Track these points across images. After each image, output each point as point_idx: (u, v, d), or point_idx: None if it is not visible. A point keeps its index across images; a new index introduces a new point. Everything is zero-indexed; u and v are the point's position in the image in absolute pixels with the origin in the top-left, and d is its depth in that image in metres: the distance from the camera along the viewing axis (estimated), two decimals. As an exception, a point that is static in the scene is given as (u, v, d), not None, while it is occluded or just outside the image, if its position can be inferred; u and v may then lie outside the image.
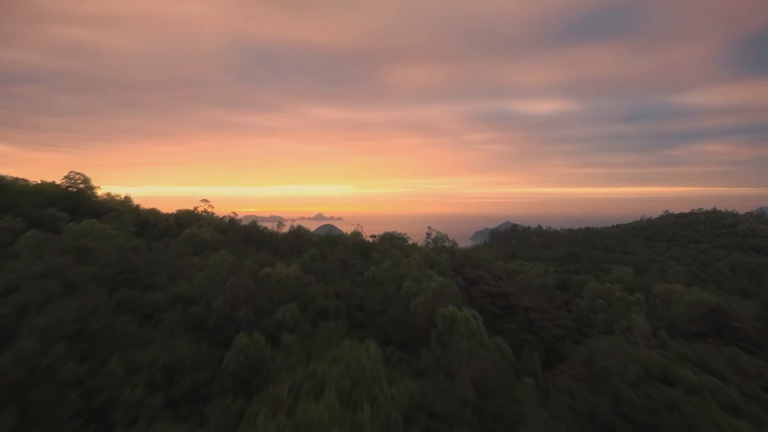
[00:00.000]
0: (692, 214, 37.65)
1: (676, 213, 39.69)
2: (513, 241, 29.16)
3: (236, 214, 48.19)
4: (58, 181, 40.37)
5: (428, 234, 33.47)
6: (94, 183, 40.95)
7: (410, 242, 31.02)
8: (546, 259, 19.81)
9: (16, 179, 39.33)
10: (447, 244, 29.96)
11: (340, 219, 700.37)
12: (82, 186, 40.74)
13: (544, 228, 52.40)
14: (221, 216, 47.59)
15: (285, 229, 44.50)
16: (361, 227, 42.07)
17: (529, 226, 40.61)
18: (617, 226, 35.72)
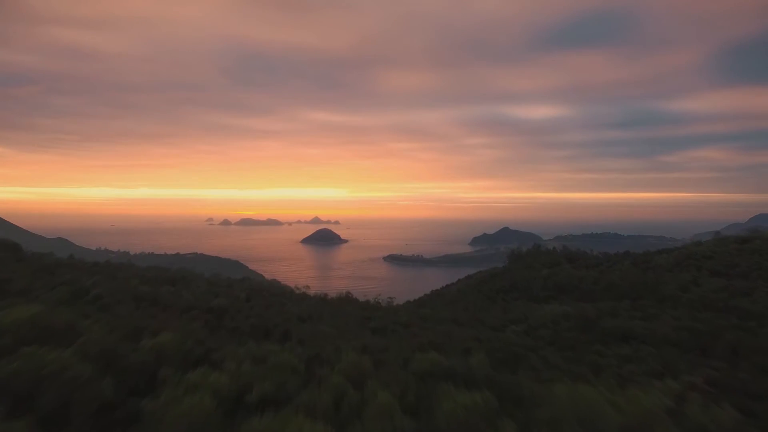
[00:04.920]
0: (754, 237, 30.77)
1: (733, 236, 33.11)
2: (544, 270, 23.38)
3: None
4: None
5: None
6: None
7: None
8: (658, 339, 12.66)
9: None
10: None
11: (336, 222, 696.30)
12: None
13: (569, 244, 45.75)
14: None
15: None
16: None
17: (554, 247, 34.84)
18: (665, 252, 28.95)
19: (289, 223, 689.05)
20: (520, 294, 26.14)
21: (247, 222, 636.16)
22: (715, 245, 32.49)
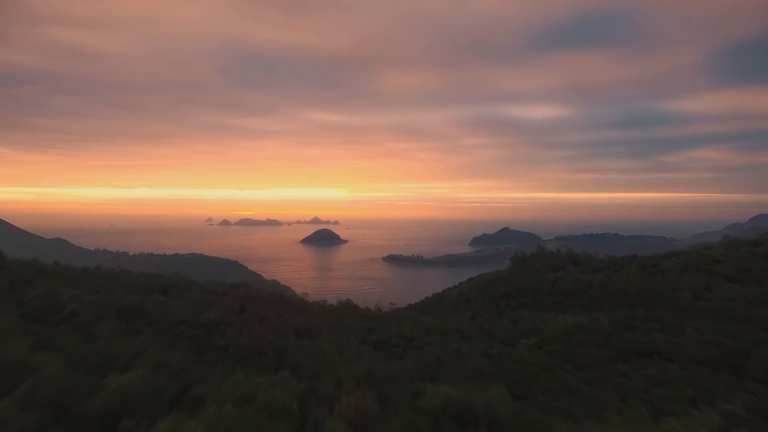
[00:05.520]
0: (765, 240, 29.43)
1: (743, 239, 32.09)
2: (549, 275, 22.71)
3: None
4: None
5: None
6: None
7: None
8: (684, 357, 8.87)
9: None
10: None
11: (336, 223, 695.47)
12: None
13: (570, 245, 45.24)
14: None
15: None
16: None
17: (558, 250, 33.96)
18: (674, 255, 27.89)
19: (289, 224, 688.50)
20: (525, 299, 25.41)
21: (246, 222, 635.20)
22: (724, 248, 31.69)
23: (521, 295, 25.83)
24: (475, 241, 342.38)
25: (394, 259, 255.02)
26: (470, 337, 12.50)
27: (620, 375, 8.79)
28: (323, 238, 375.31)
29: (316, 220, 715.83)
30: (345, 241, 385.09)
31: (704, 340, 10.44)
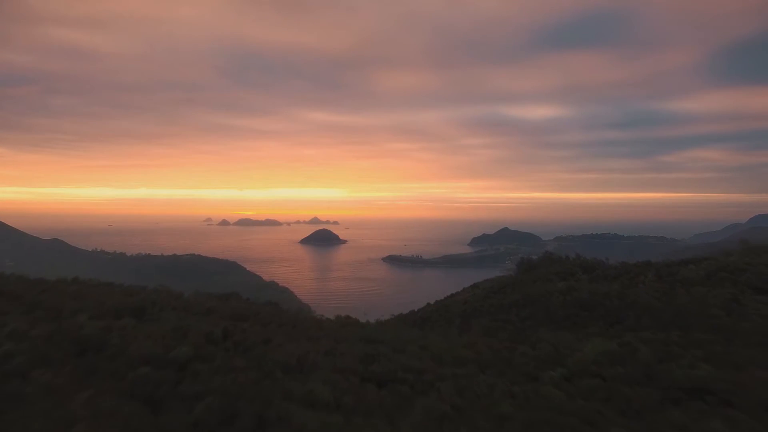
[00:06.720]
0: None
1: (765, 245, 29.96)
2: (560, 284, 21.26)
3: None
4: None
5: None
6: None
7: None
8: (747, 400, 5.62)
9: None
10: None
11: (336, 223, 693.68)
12: None
13: (574, 249, 43.78)
14: None
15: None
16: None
17: (567, 256, 32.69)
18: (692, 262, 25.56)
19: (288, 224, 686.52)
20: (535, 310, 23.94)
21: (245, 222, 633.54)
22: (746, 255, 30.11)
23: (531, 305, 24.32)
24: (475, 241, 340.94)
25: (393, 260, 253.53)
26: (486, 365, 10.94)
27: (678, 428, 7.21)
28: (322, 239, 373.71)
29: (315, 221, 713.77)
30: (344, 242, 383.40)
31: (766, 377, 8.88)
